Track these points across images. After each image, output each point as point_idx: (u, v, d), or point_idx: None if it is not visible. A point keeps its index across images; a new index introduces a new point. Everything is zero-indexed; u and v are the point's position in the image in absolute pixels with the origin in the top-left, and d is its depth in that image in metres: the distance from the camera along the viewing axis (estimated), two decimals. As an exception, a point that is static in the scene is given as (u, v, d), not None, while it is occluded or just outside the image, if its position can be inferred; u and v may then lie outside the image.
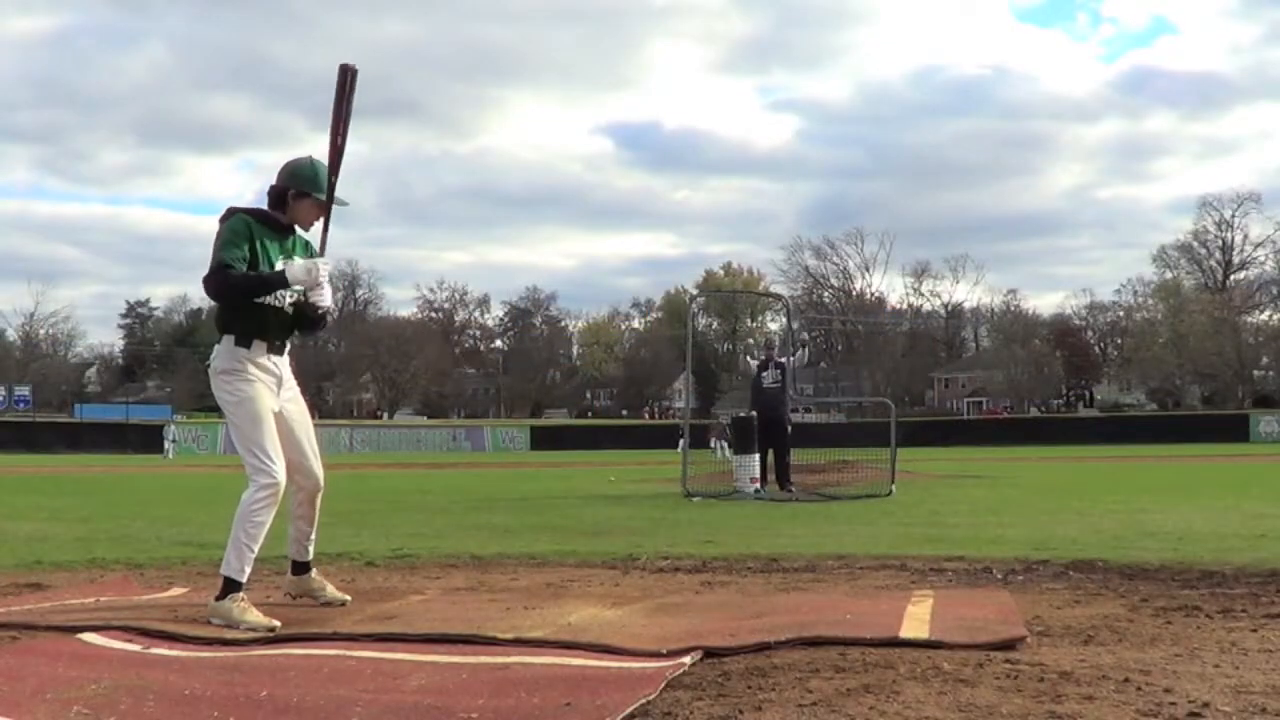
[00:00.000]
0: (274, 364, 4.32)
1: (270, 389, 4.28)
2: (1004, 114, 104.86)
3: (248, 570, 4.14)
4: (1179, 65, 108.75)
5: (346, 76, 4.28)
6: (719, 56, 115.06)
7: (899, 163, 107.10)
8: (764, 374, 13.49)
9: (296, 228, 4.41)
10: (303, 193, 4.32)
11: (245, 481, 4.19)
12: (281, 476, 4.18)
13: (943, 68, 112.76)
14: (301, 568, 4.55)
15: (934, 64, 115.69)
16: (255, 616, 4.00)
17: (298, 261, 4.29)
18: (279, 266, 4.26)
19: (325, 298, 4.33)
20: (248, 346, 4.26)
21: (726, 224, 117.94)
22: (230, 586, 4.08)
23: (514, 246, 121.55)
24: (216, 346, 4.32)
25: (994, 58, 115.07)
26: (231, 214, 4.30)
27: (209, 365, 4.34)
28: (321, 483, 4.50)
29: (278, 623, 3.99)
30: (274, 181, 4.38)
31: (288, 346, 4.41)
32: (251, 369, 4.25)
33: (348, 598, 4.55)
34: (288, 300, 4.31)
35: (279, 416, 4.30)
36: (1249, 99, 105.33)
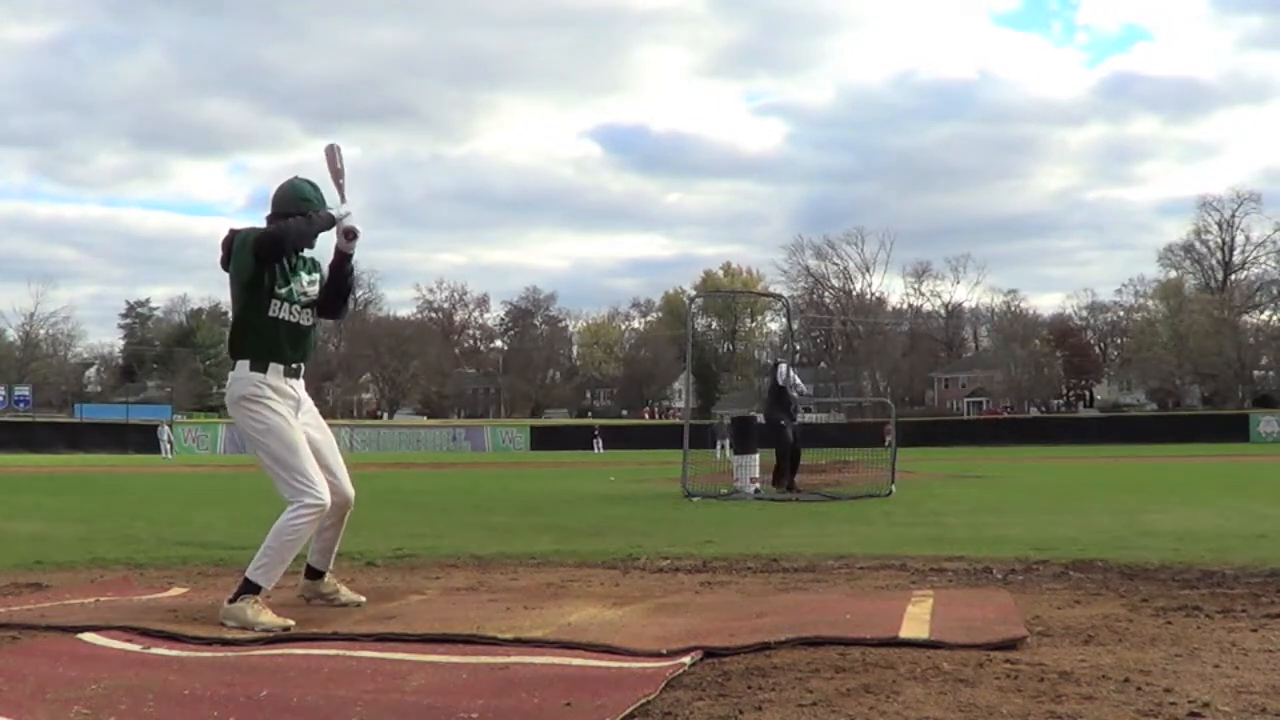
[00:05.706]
0: (292, 387, 4.30)
1: (292, 412, 4.27)
2: (989, 118, 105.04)
3: (275, 580, 4.15)
4: (1159, 71, 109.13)
5: (334, 153, 4.44)
6: (705, 62, 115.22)
7: (887, 166, 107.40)
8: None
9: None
10: (300, 211, 4.34)
11: (284, 503, 4.17)
12: (326, 497, 4.18)
13: (925, 72, 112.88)
14: (317, 573, 4.54)
15: (916, 68, 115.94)
16: (270, 617, 3.99)
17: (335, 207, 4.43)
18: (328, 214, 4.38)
19: (353, 220, 4.42)
20: (264, 371, 4.24)
21: (717, 226, 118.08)
22: (250, 589, 4.06)
23: (506, 248, 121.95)
24: (231, 374, 4.30)
25: (978, 62, 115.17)
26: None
27: (225, 392, 4.32)
28: (352, 500, 4.50)
29: (291, 622, 3.98)
30: (269, 213, 4.39)
31: (303, 369, 4.39)
32: (270, 394, 4.23)
33: (363, 599, 4.54)
34: (303, 317, 4.34)
35: (307, 441, 4.29)
36: (1229, 103, 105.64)
